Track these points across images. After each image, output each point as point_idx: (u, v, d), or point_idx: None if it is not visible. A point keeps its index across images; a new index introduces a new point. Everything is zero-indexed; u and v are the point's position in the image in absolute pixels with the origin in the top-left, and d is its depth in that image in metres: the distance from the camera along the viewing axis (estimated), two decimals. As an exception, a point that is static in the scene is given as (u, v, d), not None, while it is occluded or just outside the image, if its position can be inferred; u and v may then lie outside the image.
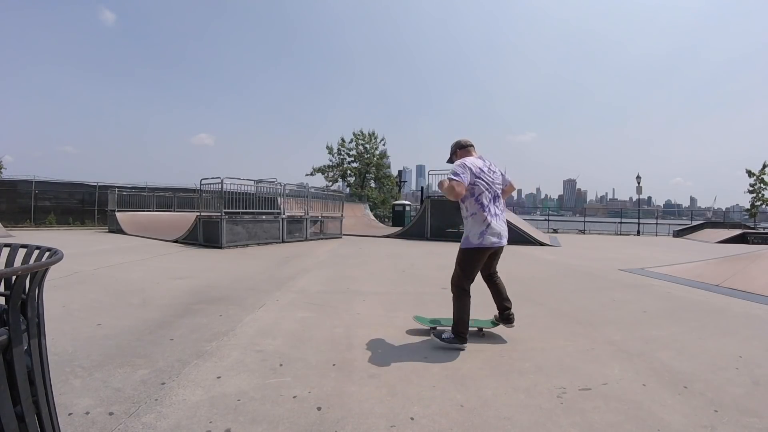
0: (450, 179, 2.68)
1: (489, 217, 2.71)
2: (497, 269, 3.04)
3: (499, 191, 2.88)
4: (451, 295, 2.79)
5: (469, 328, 2.79)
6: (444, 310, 3.81)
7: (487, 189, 2.75)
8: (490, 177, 2.80)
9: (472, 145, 2.96)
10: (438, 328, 2.96)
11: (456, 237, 12.51)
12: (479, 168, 2.76)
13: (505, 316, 2.95)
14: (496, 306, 3.00)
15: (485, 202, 2.74)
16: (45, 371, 1.17)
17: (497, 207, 2.81)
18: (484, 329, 3.04)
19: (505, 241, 2.80)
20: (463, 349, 2.71)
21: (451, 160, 3.01)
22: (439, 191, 13.60)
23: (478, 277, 2.91)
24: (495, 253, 2.89)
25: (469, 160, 2.78)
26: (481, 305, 4.03)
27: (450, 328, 2.81)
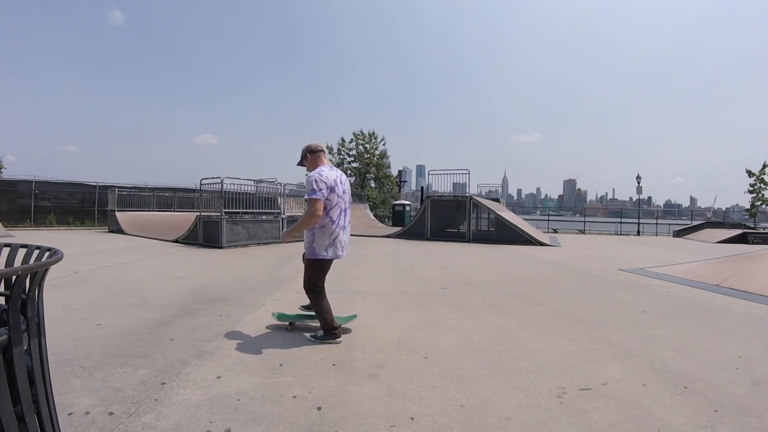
0: (308, 199, 2.66)
1: (337, 230, 2.77)
2: None
3: (349, 203, 2.91)
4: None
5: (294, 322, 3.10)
6: (444, 310, 3.82)
7: (338, 203, 2.78)
8: (341, 188, 2.82)
9: (323, 151, 2.93)
10: (296, 324, 3.15)
11: (456, 237, 12.52)
12: (334, 180, 2.76)
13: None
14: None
15: (335, 216, 2.77)
16: (45, 371, 1.17)
17: (345, 220, 2.85)
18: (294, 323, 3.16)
19: (345, 253, 2.87)
20: (338, 343, 2.79)
21: (301, 164, 2.99)
22: (439, 191, 13.62)
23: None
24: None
25: (324, 174, 2.74)
26: (483, 304, 4.03)
27: (319, 327, 2.91)
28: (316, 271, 2.84)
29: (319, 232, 2.76)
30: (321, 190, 2.67)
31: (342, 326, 2.98)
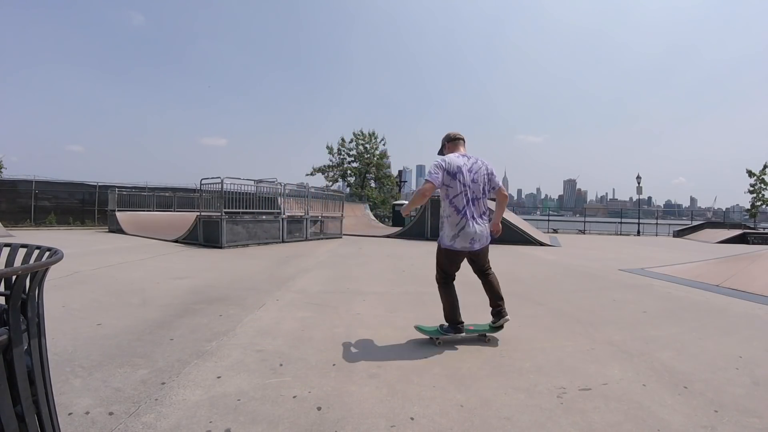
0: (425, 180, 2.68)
1: (463, 221, 2.67)
2: (491, 266, 3.00)
3: (480, 194, 2.76)
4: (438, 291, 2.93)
5: (469, 334, 2.90)
6: (444, 310, 3.81)
7: (463, 192, 2.69)
8: (469, 177, 2.72)
9: (461, 139, 2.91)
10: (440, 339, 2.85)
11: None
12: (458, 167, 2.70)
13: (496, 311, 2.94)
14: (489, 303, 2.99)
15: (459, 205, 2.69)
16: (45, 371, 1.17)
17: (475, 210, 2.73)
18: (487, 334, 2.96)
19: (477, 246, 2.73)
20: (458, 337, 2.84)
21: (441, 153, 2.97)
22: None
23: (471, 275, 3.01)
24: (475, 254, 2.83)
25: (448, 159, 2.74)
26: (482, 306, 4.03)
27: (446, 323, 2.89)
28: (441, 258, 2.83)
29: (447, 221, 2.75)
30: (435, 174, 2.66)
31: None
